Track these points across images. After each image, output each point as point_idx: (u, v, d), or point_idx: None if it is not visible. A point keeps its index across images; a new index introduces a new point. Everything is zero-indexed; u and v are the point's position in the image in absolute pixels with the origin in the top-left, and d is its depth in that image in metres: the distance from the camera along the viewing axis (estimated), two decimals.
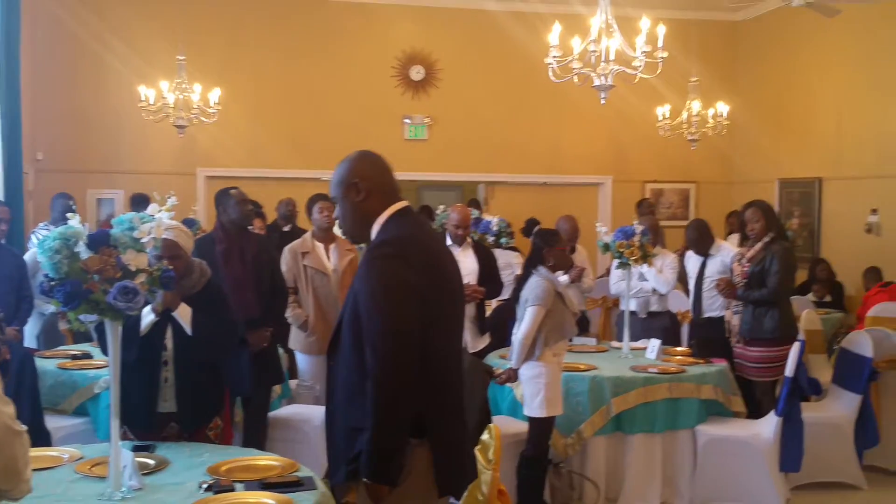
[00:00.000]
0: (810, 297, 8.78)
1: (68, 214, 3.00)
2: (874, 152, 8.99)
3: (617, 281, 6.49)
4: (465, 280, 5.75)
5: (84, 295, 2.86)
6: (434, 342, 2.59)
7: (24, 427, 2.06)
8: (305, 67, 10.29)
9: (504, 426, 4.94)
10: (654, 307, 6.55)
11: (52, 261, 2.86)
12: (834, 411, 5.68)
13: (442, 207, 8.21)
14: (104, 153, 9.87)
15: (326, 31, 10.33)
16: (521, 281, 4.92)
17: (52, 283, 2.88)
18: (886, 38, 8.82)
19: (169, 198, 3.29)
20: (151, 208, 3.10)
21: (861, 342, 5.73)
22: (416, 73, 10.56)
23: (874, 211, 8.96)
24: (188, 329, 3.73)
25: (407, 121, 10.58)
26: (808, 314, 6.86)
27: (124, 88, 9.41)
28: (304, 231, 6.86)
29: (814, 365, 6.50)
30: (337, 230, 5.73)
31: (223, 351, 3.95)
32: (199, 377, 3.79)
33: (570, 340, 5.76)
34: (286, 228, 8.12)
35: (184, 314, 3.74)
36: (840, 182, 9.52)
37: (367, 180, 2.73)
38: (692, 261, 6.49)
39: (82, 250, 2.88)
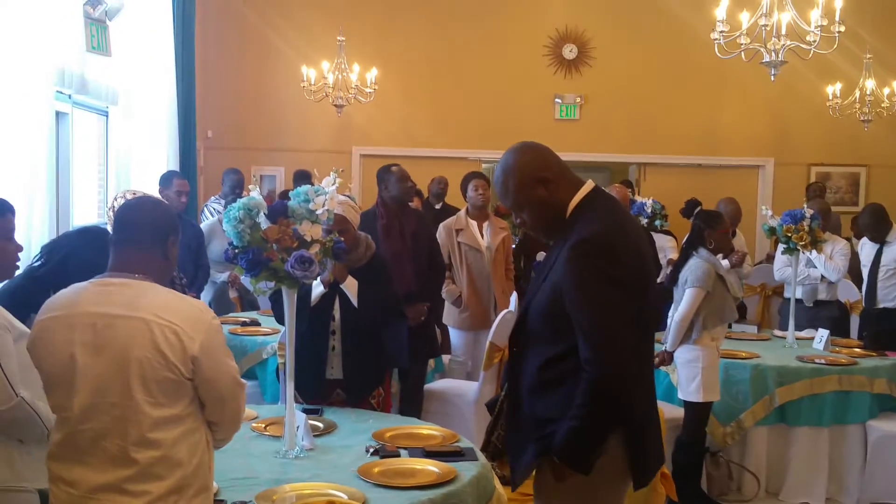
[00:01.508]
0: None
1: (250, 186, 3.13)
2: None
3: (782, 267, 6.22)
4: None
5: (265, 263, 3.00)
6: (642, 333, 2.52)
7: (246, 381, 2.28)
8: (458, 47, 10.34)
9: (661, 410, 4.88)
10: (822, 296, 6.25)
11: (237, 229, 3.00)
12: None
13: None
14: (267, 131, 10.28)
15: (478, 10, 10.32)
16: (679, 262, 4.80)
17: (237, 250, 3.03)
18: None
19: (335, 174, 3.38)
20: (326, 182, 3.19)
21: None
22: (569, 51, 10.42)
23: None
24: (354, 301, 3.84)
25: (558, 100, 10.47)
26: None
27: (287, 69, 9.74)
28: (456, 209, 6.94)
29: None
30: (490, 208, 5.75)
31: (384, 323, 4.05)
32: (363, 347, 3.91)
33: (730, 326, 5.58)
34: (438, 206, 8.23)
35: (351, 286, 3.86)
36: None
37: (549, 170, 2.58)
38: (867, 248, 6.14)
39: (262, 221, 3.01)
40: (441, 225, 6.02)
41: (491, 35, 10.34)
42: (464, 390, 5.28)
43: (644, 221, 7.57)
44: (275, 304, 3.80)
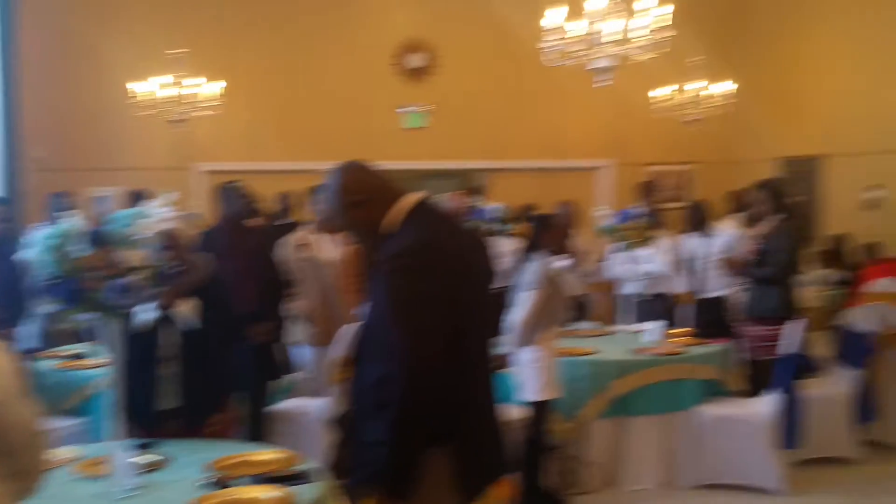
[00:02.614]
0: (818, 271, 8.76)
1: (68, 212, 3.01)
2: (873, 128, 8.96)
3: (618, 264, 6.51)
4: None
5: (82, 293, 2.87)
6: (464, 346, 2.48)
7: (45, 428, 2.12)
8: (303, 58, 10.29)
9: (504, 413, 4.99)
10: (656, 289, 6.57)
11: (50, 259, 2.86)
12: (833, 387, 5.71)
13: (440, 197, 8.21)
14: (101, 150, 9.89)
15: (323, 21, 10.30)
16: (517, 266, 4.93)
17: (51, 281, 2.89)
18: (890, 8, 8.78)
19: (169, 195, 3.30)
20: (152, 203, 3.10)
21: (860, 318, 5.77)
22: (416, 60, 10.55)
23: (874, 187, 8.95)
24: (188, 324, 3.75)
25: (406, 109, 10.56)
26: (809, 291, 6.86)
27: (120, 84, 9.40)
28: (303, 224, 6.88)
29: (814, 342, 6.50)
30: None
31: (223, 346, 3.96)
32: (199, 373, 3.80)
33: (570, 324, 5.79)
34: (284, 221, 8.14)
35: (185, 309, 3.76)
36: (839, 158, 9.50)
37: (362, 192, 2.58)
38: (693, 242, 6.50)
39: (80, 248, 2.89)
40: (285, 240, 5.96)
41: (337, 45, 10.33)
42: (313, 408, 5.23)
43: (491, 227, 7.75)
44: (101, 332, 3.67)
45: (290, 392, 5.81)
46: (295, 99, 10.27)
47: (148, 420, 3.67)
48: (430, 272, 2.41)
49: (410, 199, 2.58)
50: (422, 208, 2.58)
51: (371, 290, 2.58)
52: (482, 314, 2.63)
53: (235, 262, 5.14)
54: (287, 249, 5.86)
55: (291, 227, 7.34)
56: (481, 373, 2.63)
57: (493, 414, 2.67)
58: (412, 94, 10.58)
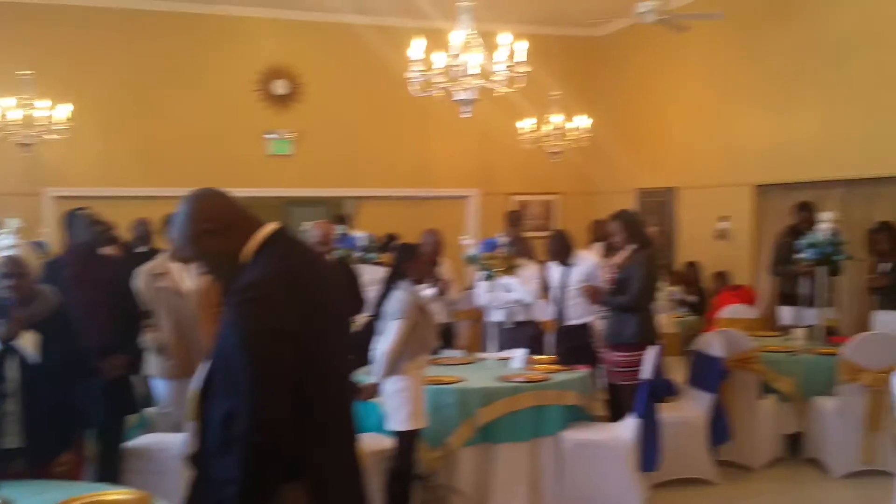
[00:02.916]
0: (674, 292, 9.14)
1: None
2: (723, 162, 9.49)
3: (483, 292, 6.57)
4: None
5: None
6: (316, 381, 2.41)
7: None
8: (162, 82, 9.98)
9: (371, 443, 4.93)
10: (520, 317, 6.67)
11: None
12: (689, 411, 5.92)
13: (306, 224, 8.10)
14: None
15: (183, 46, 10.05)
16: (382, 295, 4.91)
17: None
18: (733, 51, 9.34)
19: (11, 220, 3.11)
20: None
21: (712, 343, 6.01)
22: (280, 87, 10.42)
23: (724, 218, 9.44)
24: (33, 358, 3.53)
25: (270, 136, 10.42)
26: (664, 318, 7.13)
27: None
28: (162, 251, 6.63)
29: (670, 367, 6.76)
30: None
31: (72, 380, 3.76)
32: (45, 409, 3.60)
33: (435, 353, 5.80)
34: (142, 249, 7.82)
35: (28, 342, 3.55)
36: (692, 191, 10.00)
37: (215, 220, 2.49)
38: (555, 271, 6.65)
39: None
40: (140, 270, 5.72)
41: (197, 69, 10.10)
42: (169, 444, 5.01)
43: (357, 255, 7.72)
44: None
45: (148, 427, 5.55)
46: (153, 123, 9.94)
47: None
48: (280, 305, 2.34)
49: (267, 229, 2.50)
50: (278, 238, 2.51)
51: (221, 322, 2.47)
52: (339, 345, 2.56)
53: (86, 293, 4.89)
54: (143, 279, 5.63)
55: (149, 255, 7.07)
56: (337, 405, 2.55)
57: (351, 446, 2.61)
58: (277, 120, 10.45)
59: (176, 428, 5.50)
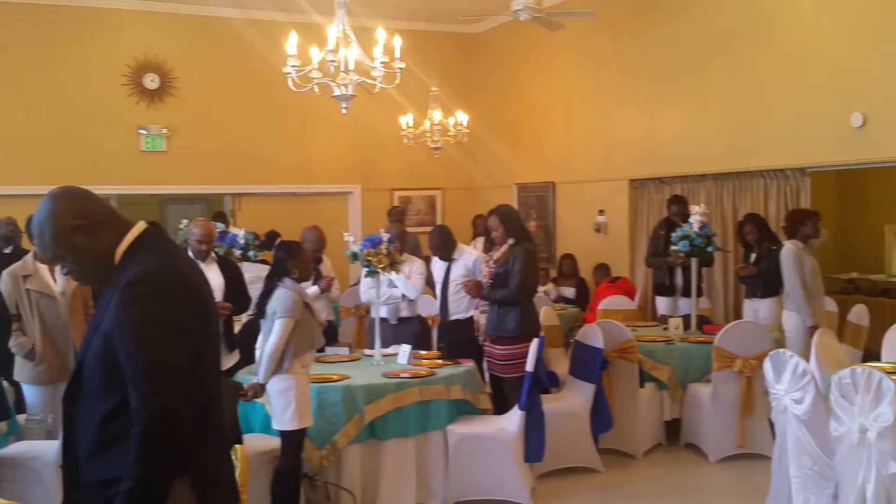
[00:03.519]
0: (550, 287, 9.36)
1: None
2: (599, 157, 9.77)
3: (367, 289, 6.53)
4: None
5: None
6: (201, 373, 2.43)
7: None
8: (27, 75, 9.52)
9: (257, 443, 4.86)
10: (405, 313, 6.67)
11: None
12: (571, 401, 6.04)
13: (185, 222, 7.88)
14: None
15: (48, 37, 9.60)
16: (265, 294, 4.83)
17: None
18: (606, 50, 9.63)
19: None
20: None
21: (592, 334, 6.16)
22: (151, 81, 10.08)
23: (601, 212, 9.74)
24: None
25: (142, 131, 10.07)
26: (545, 311, 7.24)
27: None
28: (28, 252, 6.32)
29: (553, 358, 6.90)
30: None
31: None
32: None
33: (320, 351, 5.74)
34: (7, 250, 7.43)
35: None
36: (570, 186, 10.26)
37: (86, 217, 2.44)
38: (437, 266, 6.68)
39: None
40: (6, 271, 5.45)
41: (63, 62, 9.68)
42: (42, 451, 4.79)
43: (238, 253, 7.55)
44: None
45: (19, 435, 5.29)
46: (17, 118, 9.47)
47: None
48: (174, 297, 2.37)
49: (139, 227, 2.51)
50: (154, 237, 2.53)
51: (99, 320, 2.44)
52: (214, 341, 2.60)
53: None
54: (8, 280, 5.36)
55: (15, 256, 6.73)
56: (214, 400, 2.58)
57: (226, 441, 2.68)
58: (149, 116, 10.11)
59: (49, 435, 5.27)
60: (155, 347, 2.29)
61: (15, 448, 5.00)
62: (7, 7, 9.44)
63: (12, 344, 5.25)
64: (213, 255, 5.89)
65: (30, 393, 5.51)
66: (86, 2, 9.71)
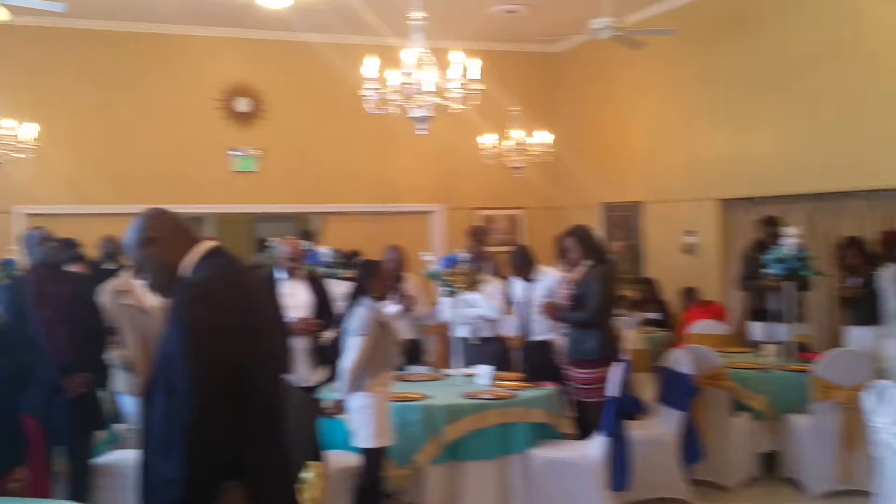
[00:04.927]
0: (637, 315, 9.19)
1: None
2: (686, 176, 9.58)
3: (446, 309, 6.55)
4: (299, 313, 5.71)
5: None
6: (252, 381, 2.53)
7: None
8: (127, 101, 9.99)
9: (338, 460, 4.91)
10: (486, 333, 6.64)
11: None
12: (659, 428, 5.81)
13: (274, 240, 8.07)
14: None
15: (148, 65, 10.06)
16: (345, 312, 4.91)
17: None
18: (690, 66, 9.46)
19: None
20: None
21: (681, 360, 5.92)
22: (243, 104, 10.43)
23: (690, 232, 9.53)
24: None
25: (234, 153, 10.40)
26: (631, 334, 7.11)
27: None
28: (127, 268, 6.57)
29: (639, 384, 6.74)
30: None
31: (18, 392, 3.76)
32: None
33: (402, 369, 5.79)
34: (109, 266, 7.74)
35: None
36: (657, 205, 10.08)
37: (159, 230, 2.69)
38: (518, 286, 6.65)
39: None
40: (105, 287, 5.66)
41: (162, 88, 10.11)
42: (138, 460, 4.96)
43: (323, 270, 7.68)
44: None
45: (117, 444, 5.50)
46: (119, 141, 9.94)
47: None
48: (220, 304, 2.52)
49: (206, 245, 2.71)
50: (218, 254, 2.71)
51: (165, 324, 2.63)
52: (272, 355, 2.73)
53: (46, 311, 4.87)
54: (107, 295, 5.57)
55: (116, 272, 7.01)
56: (272, 410, 2.68)
57: (286, 453, 2.76)
58: (241, 138, 10.45)
59: None
60: (196, 350, 2.43)
61: (113, 456, 5.20)
62: (106, 36, 9.91)
63: (110, 356, 5.45)
64: (301, 272, 6.02)
65: (127, 403, 5.71)
66: (180, 31, 10.12)
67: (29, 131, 8.35)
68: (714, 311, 8.59)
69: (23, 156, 8.38)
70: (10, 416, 3.69)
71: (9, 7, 6.50)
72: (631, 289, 9.70)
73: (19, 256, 8.46)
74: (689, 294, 9.13)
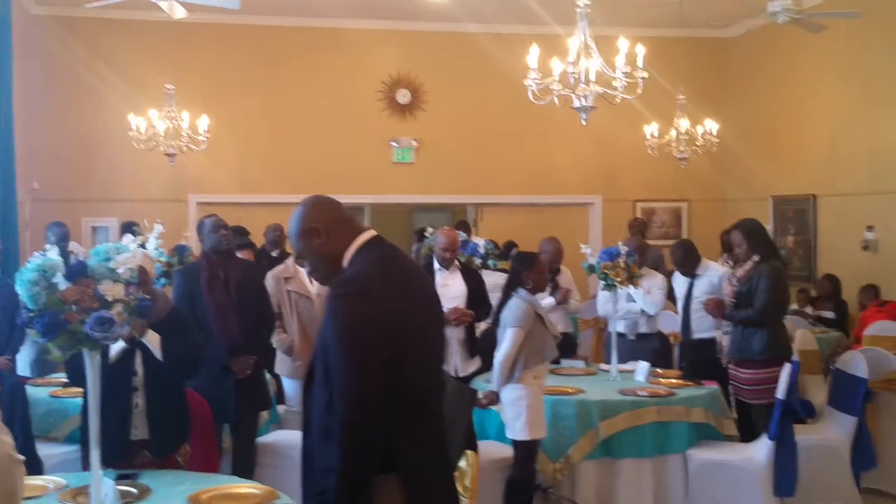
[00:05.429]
0: (808, 310, 8.72)
1: (46, 246, 2.99)
2: (868, 168, 8.96)
3: (604, 303, 6.40)
4: (454, 303, 5.74)
5: (62, 326, 2.84)
6: (409, 374, 2.52)
7: (23, 457, 2.15)
8: (291, 93, 10.38)
9: (491, 451, 4.91)
10: (644, 329, 6.47)
11: (30, 292, 2.84)
12: (829, 433, 5.52)
13: (430, 230, 8.18)
14: (98, 182, 9.95)
15: (311, 58, 10.42)
16: (500, 304, 4.89)
17: (31, 314, 2.86)
18: (878, 50, 8.83)
19: (155, 225, 3.26)
20: (126, 238, 3.09)
21: (856, 362, 5.57)
22: (402, 96, 10.62)
23: (870, 228, 8.92)
24: (158, 355, 3.71)
25: (394, 144, 10.61)
26: (802, 334, 6.76)
27: (116, 118, 9.37)
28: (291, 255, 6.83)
29: (809, 386, 6.41)
30: None
31: (191, 373, 3.97)
32: (167, 403, 3.81)
33: (557, 363, 5.72)
34: (274, 254, 8.09)
35: (152, 340, 3.72)
36: (834, 199, 9.49)
37: (322, 221, 2.68)
38: (679, 281, 6.43)
39: (60, 281, 2.86)
40: (269, 273, 5.91)
41: (324, 81, 10.43)
42: (298, 441, 5.13)
43: (478, 262, 7.70)
44: (69, 365, 3.64)
45: (279, 424, 5.74)
46: (284, 133, 10.36)
47: (120, 450, 3.61)
48: (376, 300, 2.50)
49: (366, 235, 2.69)
50: (378, 244, 2.69)
51: (324, 314, 2.65)
52: (430, 347, 2.71)
53: (217, 296, 5.09)
54: (272, 281, 5.81)
55: (281, 259, 7.31)
56: (430, 403, 2.66)
57: (443, 446, 2.73)
58: (399, 129, 10.65)
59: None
60: (351, 342, 2.44)
61: (275, 436, 5.42)
62: (272, 31, 10.34)
63: (274, 340, 5.68)
64: (456, 262, 6.07)
65: (288, 385, 5.95)
66: (346, 24, 10.39)
67: (201, 124, 8.82)
68: (893, 311, 8.02)
69: (197, 148, 8.87)
70: (180, 396, 3.88)
71: (185, 5, 6.86)
72: (807, 286, 9.20)
73: (193, 243, 9.02)
74: (869, 292, 8.56)
